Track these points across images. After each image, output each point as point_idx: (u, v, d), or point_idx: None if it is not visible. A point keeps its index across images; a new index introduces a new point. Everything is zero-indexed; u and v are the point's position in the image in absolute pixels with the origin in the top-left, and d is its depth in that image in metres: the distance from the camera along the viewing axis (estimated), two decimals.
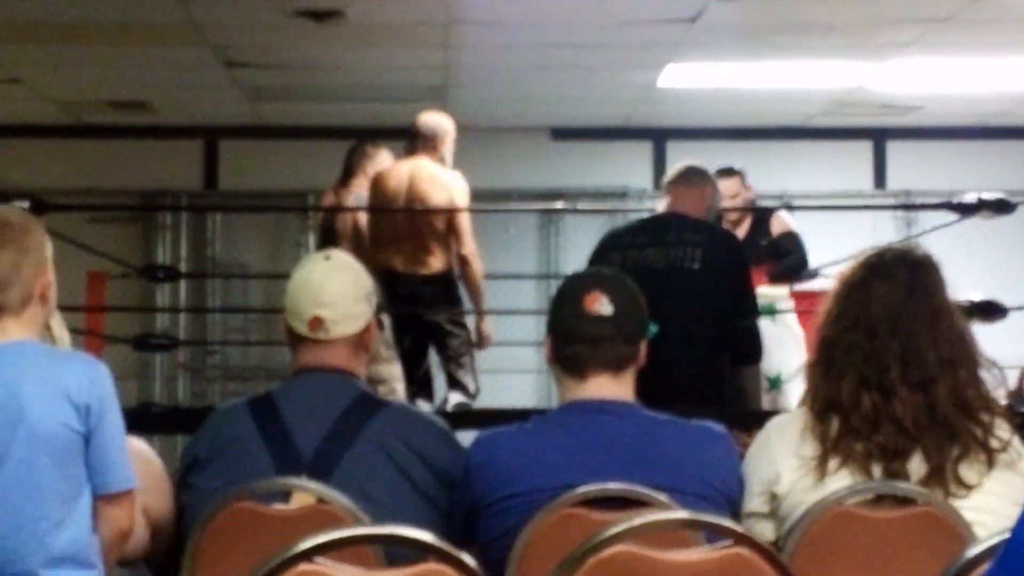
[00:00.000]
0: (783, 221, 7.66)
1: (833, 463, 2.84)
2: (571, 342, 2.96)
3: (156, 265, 9.75)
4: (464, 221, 6.92)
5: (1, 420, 2.79)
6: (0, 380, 2.81)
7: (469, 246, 6.91)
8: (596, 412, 2.94)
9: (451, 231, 6.89)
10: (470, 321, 7.11)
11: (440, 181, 6.90)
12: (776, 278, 7.29)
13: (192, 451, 3.18)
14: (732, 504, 2.93)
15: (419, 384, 6.77)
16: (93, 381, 2.82)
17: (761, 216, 7.56)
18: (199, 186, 10.92)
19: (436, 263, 6.85)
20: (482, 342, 7.13)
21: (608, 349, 2.95)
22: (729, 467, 2.96)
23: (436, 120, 7.07)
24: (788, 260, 7.39)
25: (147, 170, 10.77)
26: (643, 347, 3.04)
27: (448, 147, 6.99)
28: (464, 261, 6.92)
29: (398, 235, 6.88)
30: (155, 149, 10.81)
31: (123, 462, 2.86)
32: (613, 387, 2.97)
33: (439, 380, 7.20)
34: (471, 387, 6.88)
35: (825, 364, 2.91)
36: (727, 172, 7.24)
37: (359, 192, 7.39)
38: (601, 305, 2.96)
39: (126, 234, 10.59)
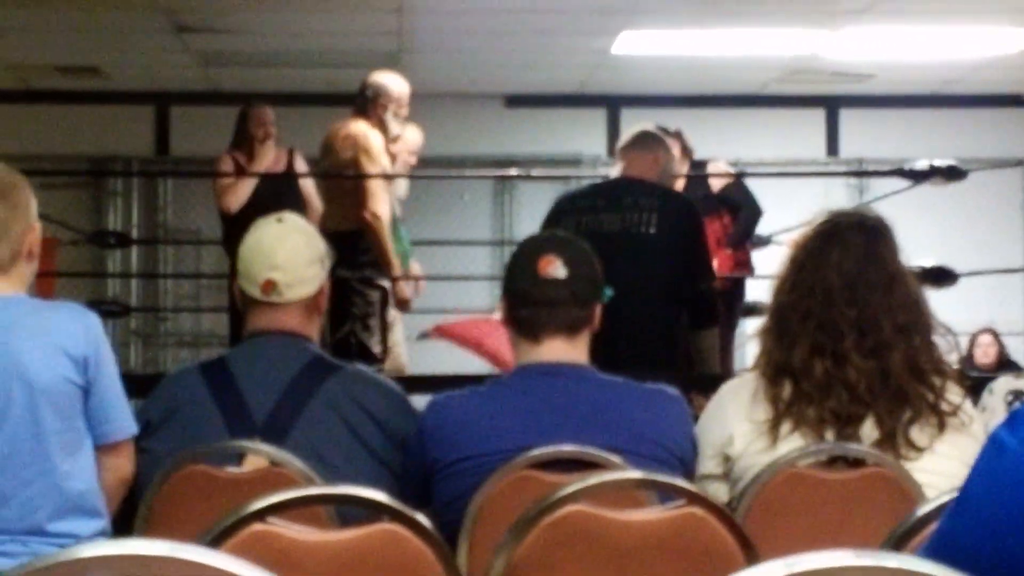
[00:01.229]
0: (720, 168, 7.47)
1: (785, 427, 2.85)
2: (525, 304, 2.96)
3: (107, 231, 9.70)
4: (369, 182, 6.55)
5: (1, 376, 2.77)
6: None
7: (368, 207, 6.54)
8: (550, 375, 2.94)
9: (357, 190, 6.54)
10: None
11: (350, 139, 6.54)
12: (737, 242, 7.22)
13: (145, 415, 3.16)
14: (685, 466, 2.94)
15: (335, 347, 6.36)
16: (88, 332, 2.83)
17: (695, 167, 7.35)
18: (151, 152, 10.84)
19: (334, 222, 6.46)
20: (402, 306, 6.93)
21: (562, 312, 2.96)
22: (682, 429, 2.97)
23: (374, 81, 6.70)
24: (743, 217, 7.18)
25: (98, 136, 10.67)
26: (597, 310, 3.04)
27: (390, 110, 6.61)
28: (363, 222, 6.60)
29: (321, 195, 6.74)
30: (106, 115, 10.72)
31: (122, 409, 2.89)
32: (567, 350, 2.98)
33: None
34: (376, 349, 6.58)
35: (779, 330, 2.92)
36: (668, 135, 7.14)
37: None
38: (555, 268, 2.96)
39: (77, 200, 10.51)
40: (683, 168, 7.14)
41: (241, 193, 7.34)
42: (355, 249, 6.52)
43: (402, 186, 7.41)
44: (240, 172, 7.35)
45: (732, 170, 7.36)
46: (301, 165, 7.45)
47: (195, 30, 8.78)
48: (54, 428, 2.80)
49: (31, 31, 8.79)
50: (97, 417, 2.86)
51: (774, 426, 2.85)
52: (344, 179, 6.60)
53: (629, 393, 2.97)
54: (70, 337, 2.81)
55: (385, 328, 6.69)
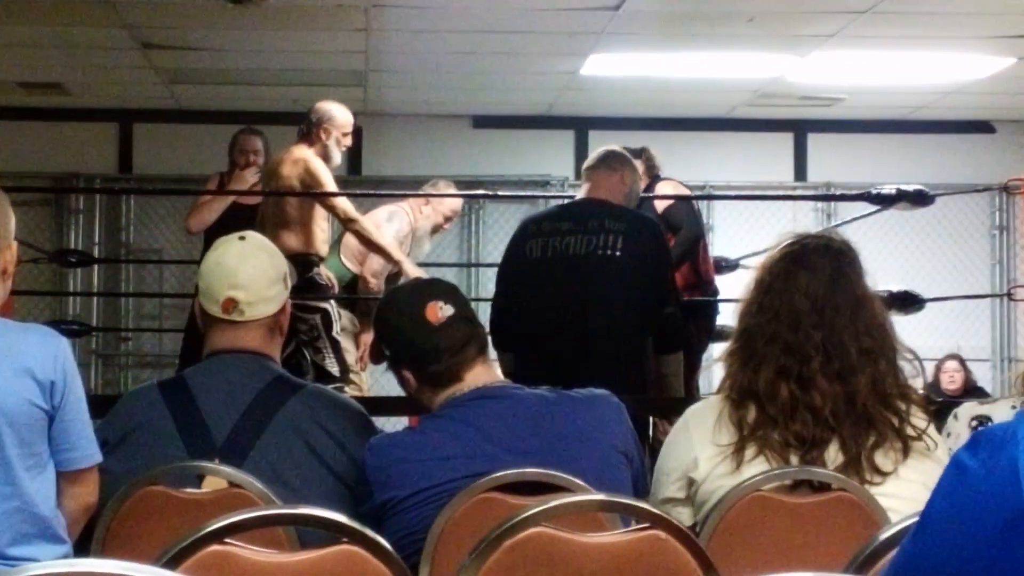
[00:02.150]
0: (667, 190, 7.22)
1: (750, 451, 2.83)
2: (438, 357, 2.94)
3: (68, 250, 9.62)
4: (336, 200, 6.62)
5: None
6: None
7: (347, 215, 6.62)
8: (481, 399, 2.93)
9: (305, 213, 6.58)
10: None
11: (292, 157, 6.56)
12: (675, 263, 7.10)
13: (102, 434, 3.11)
14: (632, 463, 2.95)
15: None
16: (57, 357, 2.78)
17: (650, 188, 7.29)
18: (113, 170, 10.78)
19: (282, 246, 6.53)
20: (361, 350, 7.02)
21: (472, 343, 2.97)
22: (619, 424, 2.97)
23: (320, 108, 6.71)
24: (679, 239, 7.01)
25: (60, 153, 10.62)
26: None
27: (333, 137, 6.61)
28: (354, 234, 6.69)
29: (262, 220, 6.70)
30: (69, 132, 10.67)
31: (88, 437, 2.85)
32: (487, 373, 2.99)
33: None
34: (333, 370, 6.59)
35: (745, 353, 2.90)
36: (634, 153, 7.07)
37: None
38: (442, 309, 2.95)
39: (38, 218, 10.43)
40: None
41: (206, 215, 7.33)
42: (301, 271, 6.53)
43: (423, 249, 7.43)
44: (214, 193, 7.37)
45: (683, 190, 7.26)
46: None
47: (160, 47, 8.74)
48: (16, 452, 2.76)
49: None
50: (61, 444, 2.82)
51: (738, 450, 2.84)
52: (283, 200, 6.60)
53: (562, 402, 2.97)
54: (38, 361, 2.77)
55: (337, 346, 6.67)
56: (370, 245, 6.82)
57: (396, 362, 3.00)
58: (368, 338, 7.10)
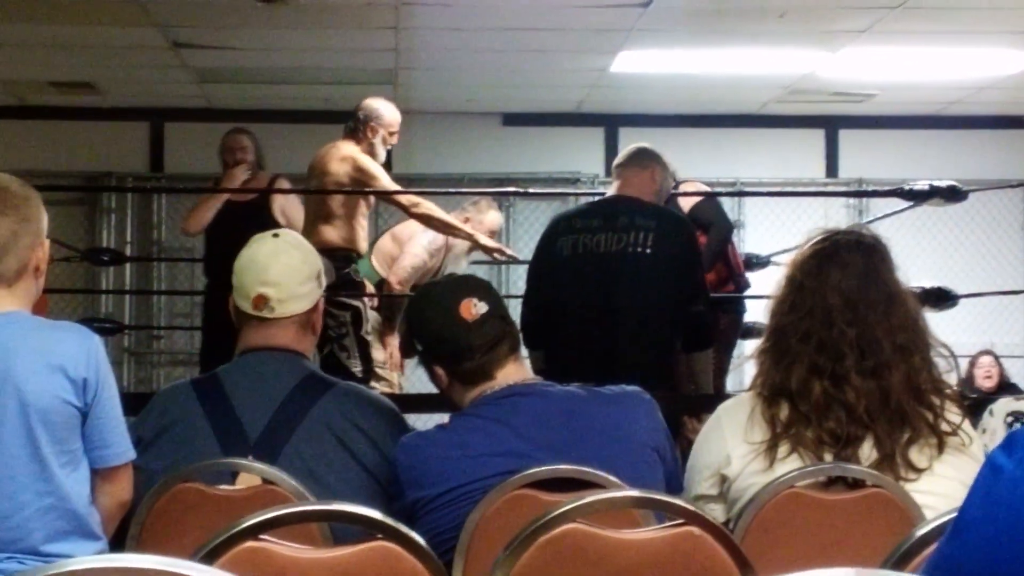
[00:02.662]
0: (692, 187, 7.34)
1: (783, 449, 2.82)
2: (469, 356, 2.93)
3: (101, 248, 9.66)
4: (395, 197, 6.70)
5: None
6: None
7: (410, 201, 6.67)
8: (514, 396, 2.92)
9: (350, 209, 6.62)
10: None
11: (340, 154, 6.59)
12: (709, 261, 7.12)
13: (136, 432, 3.12)
14: (663, 458, 2.94)
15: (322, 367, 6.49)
16: (89, 354, 2.80)
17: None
18: (145, 169, 10.82)
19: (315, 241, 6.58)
20: (489, 251, 7.01)
21: (505, 340, 2.96)
22: (651, 420, 2.96)
23: (368, 105, 6.73)
24: (712, 234, 7.03)
25: (92, 152, 10.66)
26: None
27: (380, 135, 6.64)
28: (419, 218, 6.72)
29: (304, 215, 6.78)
30: (100, 131, 10.71)
31: (121, 434, 2.85)
32: (518, 371, 2.98)
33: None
34: (355, 369, 6.57)
35: (778, 351, 2.89)
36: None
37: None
38: (476, 306, 2.94)
39: (70, 217, 10.47)
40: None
41: (202, 216, 7.41)
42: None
43: (461, 266, 7.44)
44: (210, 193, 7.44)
45: (704, 188, 7.27)
46: (283, 193, 7.49)
47: (191, 46, 8.77)
48: (50, 450, 2.77)
49: (26, 47, 8.77)
50: (95, 441, 2.83)
51: (771, 447, 2.83)
52: (333, 196, 6.64)
53: (594, 399, 2.96)
54: (71, 359, 2.78)
55: (364, 346, 6.69)
56: (441, 226, 6.81)
57: (428, 358, 3.00)
58: (395, 340, 7.13)
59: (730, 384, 6.67)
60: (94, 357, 2.81)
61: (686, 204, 7.07)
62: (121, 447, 2.87)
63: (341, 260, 6.56)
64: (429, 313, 3.00)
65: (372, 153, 6.63)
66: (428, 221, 6.78)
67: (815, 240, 2.98)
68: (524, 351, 3.07)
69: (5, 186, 2.86)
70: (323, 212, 6.63)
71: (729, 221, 7.26)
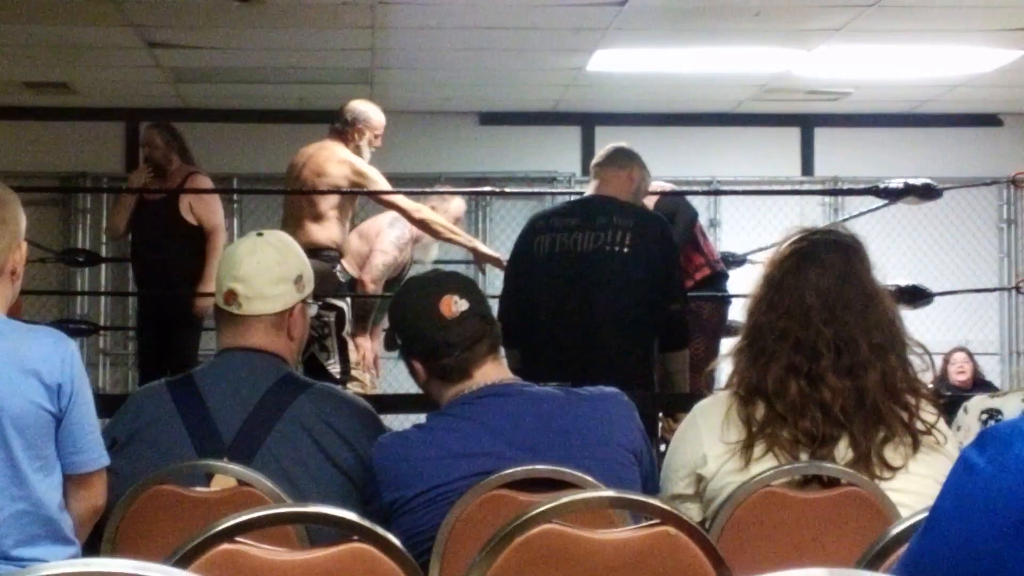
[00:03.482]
0: (656, 186, 7.38)
1: (759, 449, 2.82)
2: (447, 352, 2.92)
3: (76, 249, 9.63)
4: (395, 198, 6.76)
5: None
6: None
7: (413, 208, 6.74)
8: (491, 396, 2.91)
9: (342, 211, 6.66)
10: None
11: (337, 157, 6.64)
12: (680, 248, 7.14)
13: (111, 433, 3.11)
14: (640, 461, 2.93)
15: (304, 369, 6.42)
16: (64, 359, 2.78)
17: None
18: (121, 169, 10.77)
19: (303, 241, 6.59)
20: (488, 260, 7.05)
21: (484, 340, 2.95)
22: (628, 422, 2.96)
23: (355, 107, 6.79)
24: (678, 225, 7.08)
25: (67, 152, 10.62)
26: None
27: (366, 138, 6.70)
28: (420, 224, 6.79)
29: (285, 214, 6.80)
30: (75, 131, 10.66)
31: (96, 440, 2.84)
32: (497, 370, 2.97)
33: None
34: (333, 370, 6.57)
35: (755, 350, 2.89)
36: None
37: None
38: (456, 304, 2.93)
39: (45, 217, 10.42)
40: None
41: (117, 218, 7.52)
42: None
43: (431, 254, 7.45)
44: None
45: (667, 187, 7.31)
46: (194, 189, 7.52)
47: (166, 46, 8.74)
48: (23, 455, 2.75)
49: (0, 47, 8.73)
50: (68, 447, 2.81)
51: (747, 447, 2.83)
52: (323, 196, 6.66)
53: (571, 400, 2.95)
54: (45, 364, 2.76)
55: (345, 347, 6.69)
56: (442, 233, 6.85)
57: (407, 352, 2.99)
58: (365, 341, 7.13)
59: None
60: (69, 362, 2.79)
61: (650, 203, 7.11)
62: (95, 453, 2.85)
63: (329, 260, 6.58)
64: (409, 308, 3.00)
65: (359, 155, 6.69)
66: (429, 227, 6.82)
67: (793, 239, 2.98)
68: (503, 351, 3.05)
69: None
70: (314, 212, 6.65)
71: (692, 208, 7.29)
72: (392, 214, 7.22)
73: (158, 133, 7.58)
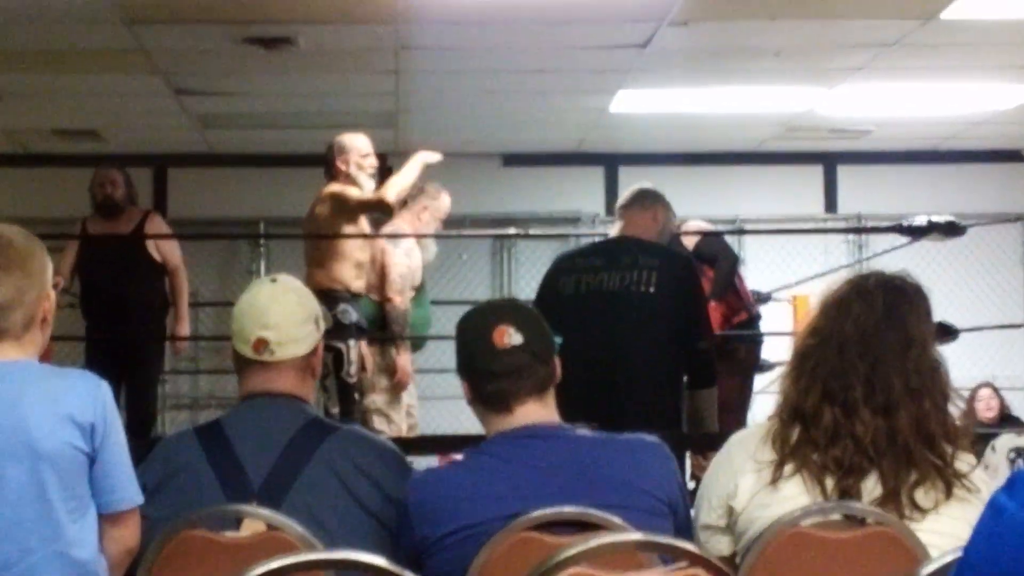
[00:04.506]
0: (692, 226, 7.49)
1: (788, 468, 2.84)
2: (491, 379, 2.94)
3: None
4: (360, 204, 6.78)
5: (4, 441, 2.74)
6: (1, 400, 2.76)
7: (376, 198, 6.77)
8: (529, 438, 2.92)
9: (328, 248, 6.76)
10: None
11: (319, 197, 6.80)
12: (719, 292, 7.21)
13: (140, 480, 3.13)
14: (675, 512, 2.94)
15: None
16: (97, 400, 2.80)
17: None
18: None
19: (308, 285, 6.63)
20: (396, 375, 7.10)
21: (529, 377, 2.95)
22: (666, 474, 2.96)
23: (332, 143, 6.92)
24: (719, 266, 7.21)
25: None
26: (557, 363, 3.04)
27: (352, 165, 6.78)
28: (395, 205, 6.82)
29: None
30: None
31: (129, 479, 2.86)
32: (540, 411, 2.97)
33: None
34: (333, 411, 6.65)
35: (797, 375, 2.93)
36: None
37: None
38: (510, 336, 2.95)
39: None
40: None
41: (68, 258, 7.49)
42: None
43: (431, 251, 7.49)
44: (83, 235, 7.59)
45: (706, 227, 7.39)
46: (157, 228, 7.53)
47: (193, 93, 8.81)
48: (57, 495, 2.77)
49: (28, 95, 8.82)
50: (102, 487, 2.83)
51: (778, 466, 2.85)
52: (324, 239, 6.77)
53: (610, 447, 2.96)
54: (79, 405, 2.79)
55: (345, 388, 6.72)
56: (404, 191, 6.85)
57: (459, 368, 3.03)
58: (403, 361, 7.16)
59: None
60: (101, 402, 2.82)
61: (689, 243, 7.18)
62: (129, 492, 2.87)
63: (336, 302, 6.63)
64: (468, 328, 3.03)
65: (356, 183, 6.75)
66: (397, 196, 6.80)
67: (854, 275, 3.04)
68: (551, 393, 3.05)
69: (8, 241, 2.88)
70: (312, 257, 6.81)
71: (734, 252, 7.36)
72: (389, 229, 7.27)
73: (118, 172, 7.64)
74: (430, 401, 8.99)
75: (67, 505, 2.78)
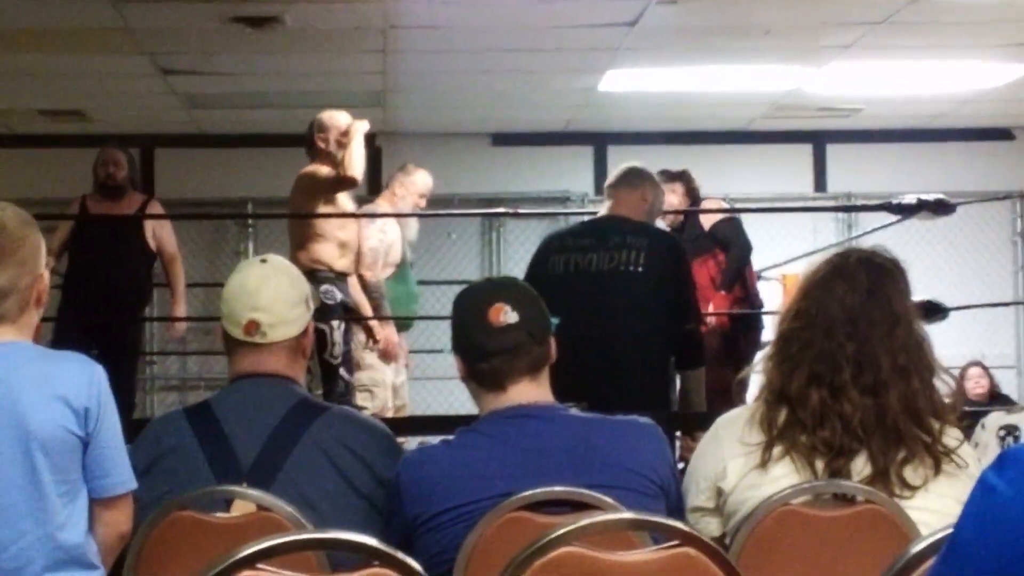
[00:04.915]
0: (713, 204, 7.55)
1: (777, 450, 2.84)
2: (485, 358, 2.93)
3: None
4: (326, 183, 6.72)
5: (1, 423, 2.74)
6: None
7: (339, 175, 6.70)
8: (522, 417, 2.91)
9: (307, 228, 6.75)
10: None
11: (297, 178, 6.81)
12: (727, 284, 7.23)
13: (130, 461, 3.12)
14: (667, 493, 2.94)
15: None
16: (91, 383, 2.79)
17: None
18: None
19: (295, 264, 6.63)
20: (384, 352, 7.11)
21: (524, 356, 2.94)
22: (659, 456, 2.95)
23: (311, 122, 6.91)
24: (730, 256, 7.25)
25: (82, 179, 10.62)
26: (552, 343, 3.02)
27: (332, 143, 6.74)
28: (350, 177, 6.72)
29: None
30: (90, 158, 10.67)
31: (122, 464, 2.85)
32: (534, 391, 2.96)
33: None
34: (316, 392, 6.56)
35: (780, 358, 2.92)
36: (673, 176, 7.19)
37: None
38: (506, 314, 2.94)
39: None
40: (682, 207, 7.21)
41: (60, 235, 7.39)
42: None
43: (413, 229, 7.49)
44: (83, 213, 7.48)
45: (725, 206, 7.41)
46: (156, 212, 7.53)
47: (180, 72, 8.79)
48: (49, 478, 2.77)
49: (14, 75, 8.79)
50: (95, 470, 2.82)
51: (766, 448, 2.85)
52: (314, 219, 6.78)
53: (603, 427, 2.95)
54: (72, 387, 2.78)
55: (329, 369, 6.72)
56: (357, 157, 6.74)
57: (453, 345, 3.02)
58: (388, 333, 7.16)
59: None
60: (96, 386, 2.81)
61: (707, 221, 7.20)
62: (122, 476, 2.86)
63: (321, 281, 6.66)
64: (464, 304, 3.02)
65: (335, 162, 6.72)
66: (356, 167, 6.71)
67: (832, 255, 3.02)
68: (546, 373, 3.04)
69: (2, 226, 2.86)
70: (294, 238, 6.83)
71: (748, 241, 7.37)
72: (368, 214, 7.26)
73: (123, 153, 7.60)
74: (421, 381, 8.99)
75: (59, 488, 2.78)
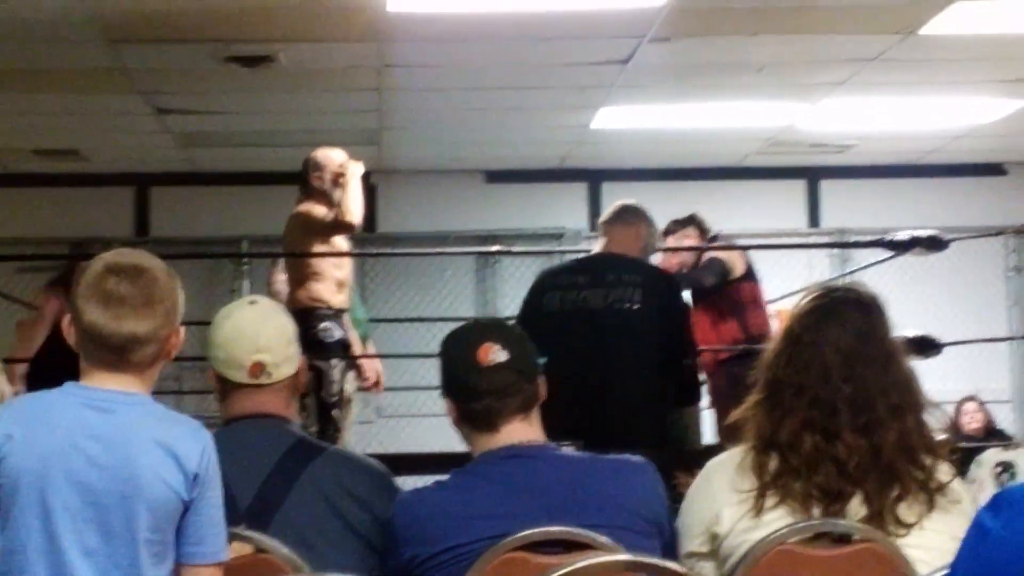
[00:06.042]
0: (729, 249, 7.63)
1: (771, 500, 2.82)
2: (476, 399, 2.94)
3: None
4: (323, 224, 6.70)
5: (111, 476, 2.71)
6: (115, 435, 2.73)
7: (340, 220, 6.70)
8: (516, 457, 2.92)
9: (303, 265, 6.77)
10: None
11: (291, 219, 6.82)
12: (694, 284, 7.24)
13: None
14: (662, 533, 2.93)
15: None
16: (204, 449, 2.76)
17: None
18: (130, 234, 10.82)
19: (291, 303, 6.62)
20: (376, 384, 7.19)
21: (515, 395, 2.95)
22: (653, 494, 2.95)
23: (305, 160, 6.90)
24: (695, 272, 7.30)
25: (77, 218, 10.66)
26: (542, 383, 3.03)
27: (327, 181, 6.73)
28: (349, 223, 6.71)
29: None
30: (85, 197, 10.72)
31: (219, 535, 2.78)
32: (526, 430, 2.97)
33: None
34: (312, 429, 6.59)
35: (771, 403, 2.90)
36: (682, 223, 7.31)
37: None
38: (495, 354, 2.94)
39: None
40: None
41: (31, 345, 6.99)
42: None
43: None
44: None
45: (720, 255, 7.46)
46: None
47: (174, 111, 8.80)
48: (146, 536, 2.73)
49: (10, 115, 8.80)
50: (191, 536, 2.77)
51: (759, 496, 2.83)
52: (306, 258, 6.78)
53: (596, 467, 2.95)
54: (185, 451, 2.74)
55: (324, 408, 6.71)
56: (354, 200, 6.71)
57: (443, 388, 3.02)
58: (377, 364, 7.16)
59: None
60: (207, 454, 2.78)
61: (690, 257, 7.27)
62: (215, 547, 2.79)
63: (319, 319, 6.64)
64: (452, 346, 3.03)
65: (330, 202, 6.70)
66: (360, 215, 6.73)
67: (813, 295, 2.99)
68: (537, 412, 3.04)
69: (154, 278, 2.84)
70: (291, 276, 6.85)
71: (720, 273, 7.36)
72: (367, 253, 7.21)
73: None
74: (416, 419, 8.98)
75: (151, 548, 2.73)
